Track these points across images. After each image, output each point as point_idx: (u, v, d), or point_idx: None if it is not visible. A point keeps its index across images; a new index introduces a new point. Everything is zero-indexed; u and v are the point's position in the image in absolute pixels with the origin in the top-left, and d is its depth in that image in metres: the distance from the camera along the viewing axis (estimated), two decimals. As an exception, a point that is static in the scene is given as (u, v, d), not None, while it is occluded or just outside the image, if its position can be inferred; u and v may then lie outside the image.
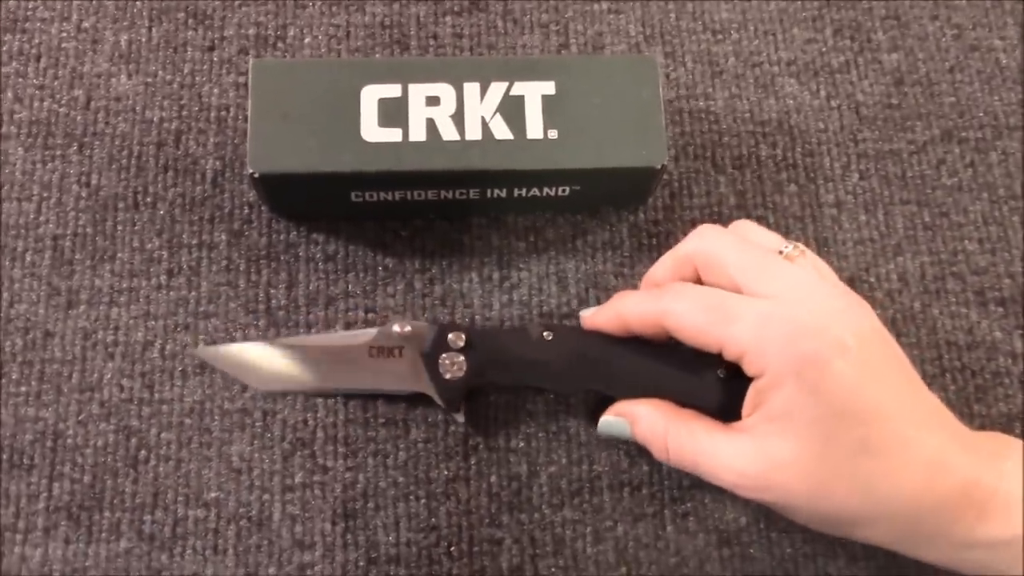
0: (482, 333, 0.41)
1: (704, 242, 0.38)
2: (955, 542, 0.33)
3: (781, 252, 0.37)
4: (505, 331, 0.42)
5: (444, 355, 0.39)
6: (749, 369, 0.35)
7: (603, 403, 0.40)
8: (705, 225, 0.39)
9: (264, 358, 0.41)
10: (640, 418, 0.38)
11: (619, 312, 0.38)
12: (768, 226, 0.45)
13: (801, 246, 0.38)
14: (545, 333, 0.40)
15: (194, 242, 0.45)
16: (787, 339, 0.33)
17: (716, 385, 0.38)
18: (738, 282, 0.36)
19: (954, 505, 0.33)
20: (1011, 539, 0.33)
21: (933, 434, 0.34)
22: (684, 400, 0.38)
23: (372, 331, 0.41)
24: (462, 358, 0.39)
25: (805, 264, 0.37)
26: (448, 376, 0.39)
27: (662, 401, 0.38)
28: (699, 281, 0.38)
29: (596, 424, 0.40)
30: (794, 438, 0.33)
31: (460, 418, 0.41)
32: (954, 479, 0.33)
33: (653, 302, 0.37)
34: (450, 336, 0.39)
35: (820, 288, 0.35)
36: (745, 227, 0.39)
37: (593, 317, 0.40)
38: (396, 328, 0.40)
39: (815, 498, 0.34)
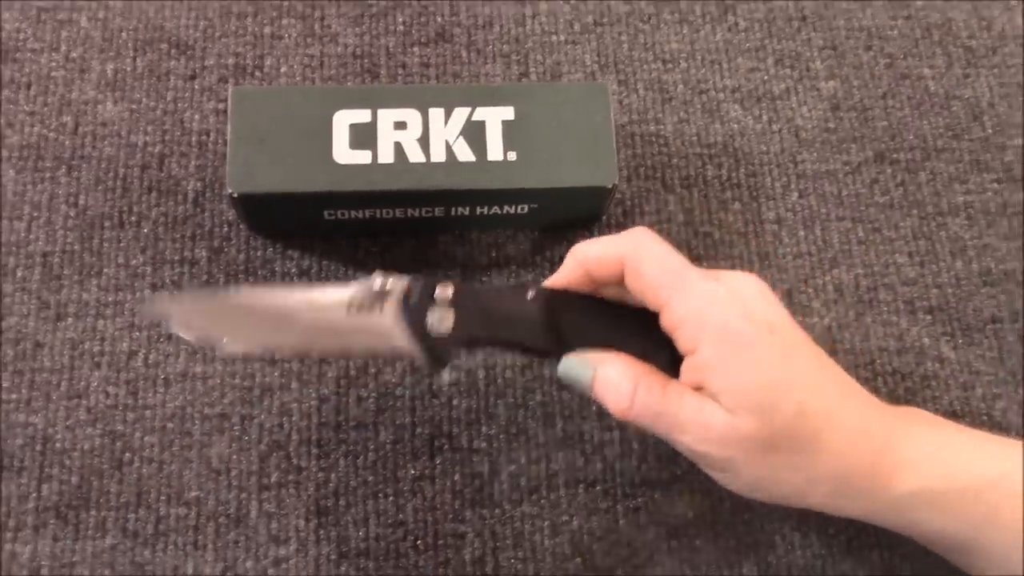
0: (469, 289, 0.39)
1: (640, 245, 0.38)
2: (879, 497, 0.37)
3: None
4: (492, 288, 0.41)
5: (432, 309, 0.37)
6: (683, 344, 0.37)
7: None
8: (641, 228, 0.39)
9: (231, 313, 0.39)
10: (604, 369, 0.38)
11: (579, 255, 0.39)
12: (713, 241, 0.49)
13: None
14: (529, 292, 0.39)
15: (176, 258, 0.47)
16: (723, 320, 0.36)
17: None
18: (658, 283, 0.37)
19: (876, 463, 0.36)
20: (920, 491, 0.36)
21: (855, 404, 0.38)
22: (648, 358, 0.39)
23: (352, 286, 0.38)
24: (451, 312, 0.37)
25: None
26: (435, 331, 0.37)
27: (627, 356, 0.38)
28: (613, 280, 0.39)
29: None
30: (739, 409, 0.36)
31: (445, 376, 0.39)
32: (874, 440, 0.37)
33: (616, 243, 0.38)
34: (438, 290, 0.37)
35: (747, 283, 0.38)
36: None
37: (555, 279, 0.40)
38: (378, 281, 0.38)
39: (763, 459, 0.36)
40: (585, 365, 0.38)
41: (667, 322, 0.37)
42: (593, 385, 0.38)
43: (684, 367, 0.37)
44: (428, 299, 0.37)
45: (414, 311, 0.37)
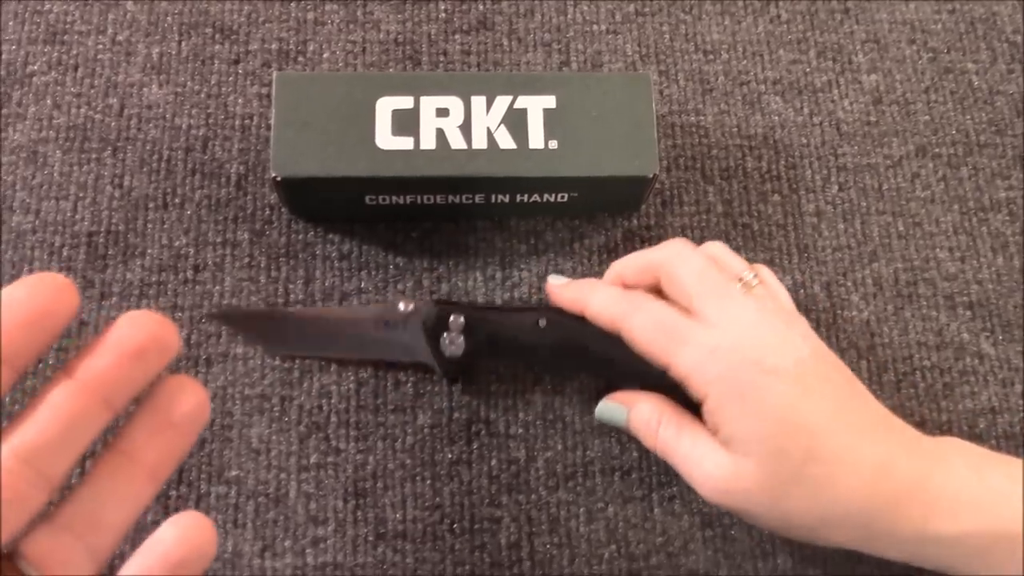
0: (480, 318, 0.43)
1: (672, 259, 0.41)
2: (908, 539, 0.36)
3: (741, 279, 0.40)
4: (503, 314, 0.44)
5: (445, 335, 0.43)
6: (693, 393, 0.38)
7: (601, 392, 0.44)
8: (678, 240, 0.42)
9: (278, 325, 0.45)
10: (637, 407, 0.42)
11: (583, 301, 0.42)
12: (752, 233, 0.49)
13: (763, 274, 0.41)
14: (541, 321, 0.43)
15: (219, 240, 0.48)
16: (727, 369, 0.37)
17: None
18: (692, 305, 0.39)
19: (902, 504, 0.36)
20: (960, 535, 0.35)
21: (877, 441, 0.37)
22: (661, 388, 0.41)
23: (379, 306, 0.45)
24: (461, 339, 0.42)
25: (761, 294, 0.40)
26: (448, 354, 0.43)
27: (659, 396, 0.41)
28: (660, 288, 0.41)
29: (592, 412, 0.44)
30: (749, 455, 0.37)
31: (458, 386, 0.45)
32: (900, 480, 0.36)
33: (615, 305, 0.40)
34: (451, 318, 0.42)
35: (763, 321, 0.38)
36: (714, 249, 0.42)
37: (559, 292, 0.43)
38: (401, 307, 0.43)
39: (773, 505, 0.37)
40: (619, 407, 0.42)
41: (676, 377, 0.39)
42: (629, 422, 0.42)
43: (703, 413, 0.39)
44: (443, 325, 0.43)
45: (431, 334, 0.43)
